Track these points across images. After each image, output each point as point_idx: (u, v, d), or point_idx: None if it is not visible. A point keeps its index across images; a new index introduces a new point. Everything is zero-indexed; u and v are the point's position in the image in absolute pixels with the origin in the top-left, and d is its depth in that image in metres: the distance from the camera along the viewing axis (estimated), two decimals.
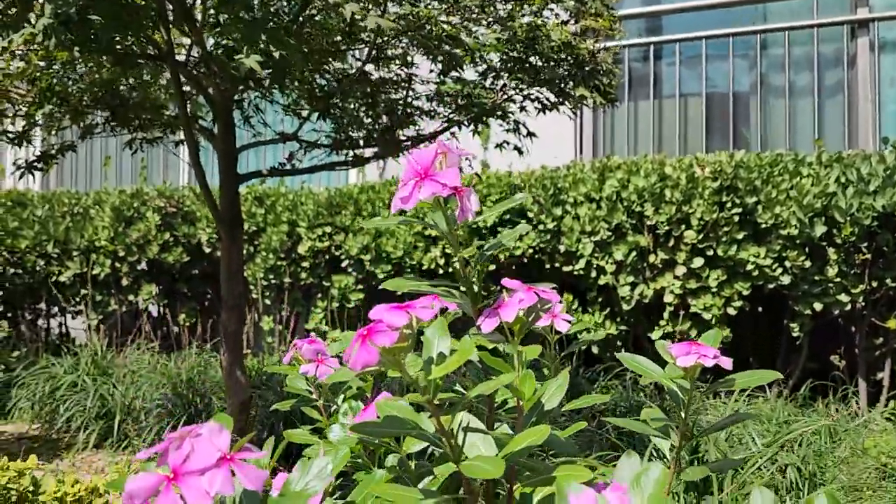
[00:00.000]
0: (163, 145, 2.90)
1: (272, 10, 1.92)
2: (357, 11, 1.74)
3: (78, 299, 5.06)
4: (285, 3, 2.09)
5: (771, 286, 3.44)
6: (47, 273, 5.02)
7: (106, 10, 1.69)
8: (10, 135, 2.36)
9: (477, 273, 0.88)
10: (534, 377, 0.80)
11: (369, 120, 2.56)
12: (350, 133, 2.59)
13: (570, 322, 1.00)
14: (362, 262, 4.26)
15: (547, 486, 0.77)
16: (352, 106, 2.50)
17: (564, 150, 4.79)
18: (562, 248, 3.75)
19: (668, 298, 3.53)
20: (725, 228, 3.40)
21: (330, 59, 2.40)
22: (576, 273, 3.74)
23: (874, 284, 3.30)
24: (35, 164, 2.48)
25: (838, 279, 3.30)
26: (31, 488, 1.50)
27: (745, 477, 2.00)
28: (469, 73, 2.51)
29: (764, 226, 3.39)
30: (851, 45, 4.47)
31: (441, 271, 4.05)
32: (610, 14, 2.38)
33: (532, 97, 2.53)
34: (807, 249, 3.36)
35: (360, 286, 4.32)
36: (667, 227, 3.49)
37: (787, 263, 3.35)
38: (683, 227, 3.47)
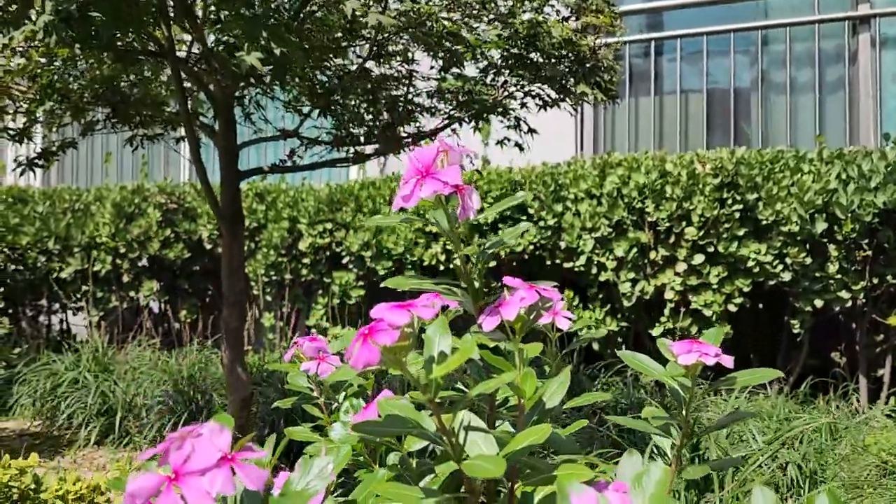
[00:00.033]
0: (164, 142, 2.89)
1: (273, 6, 1.92)
2: (358, 8, 1.73)
3: (79, 296, 5.07)
4: (286, 0, 2.09)
5: (772, 283, 3.44)
6: (48, 269, 5.02)
7: (106, 7, 1.69)
8: (11, 132, 2.36)
9: (478, 271, 0.88)
10: (535, 375, 0.80)
11: (370, 116, 2.56)
12: (351, 130, 2.59)
13: (571, 320, 1.00)
14: (363, 259, 4.26)
15: (548, 485, 0.77)
16: (353, 102, 2.49)
17: (565, 146, 4.78)
18: (562, 245, 3.75)
19: (668, 295, 3.53)
20: (726, 225, 3.40)
21: (331, 56, 2.40)
22: (576, 269, 3.74)
23: (875, 281, 3.30)
24: (36, 160, 2.47)
25: (839, 276, 3.30)
26: (32, 486, 1.50)
27: (746, 474, 2.00)
28: (470, 70, 2.50)
29: (765, 222, 3.38)
30: (853, 41, 4.47)
31: (442, 268, 4.05)
32: (611, 10, 2.38)
33: (533, 94, 2.52)
34: (808, 246, 3.36)
35: (360, 283, 4.32)
36: (667, 224, 3.49)
37: (788, 260, 3.34)
38: (684, 223, 3.47)
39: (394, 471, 0.94)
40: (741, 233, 3.39)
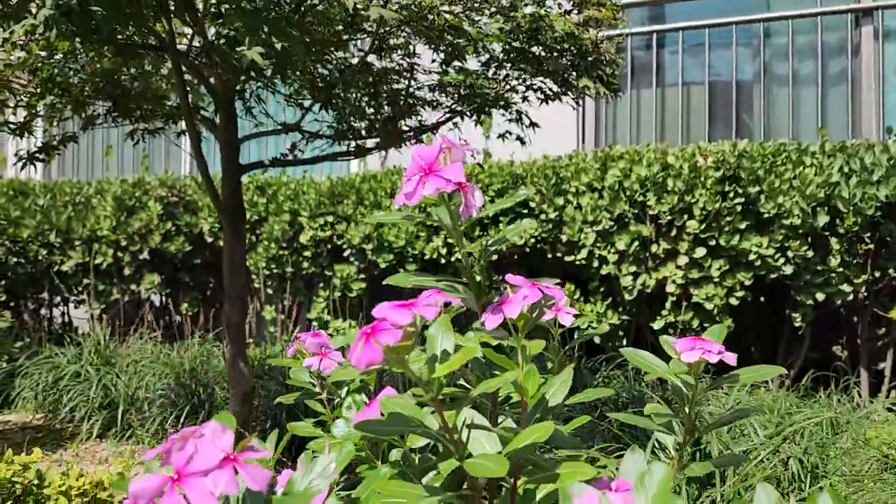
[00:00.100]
0: (164, 136, 2.89)
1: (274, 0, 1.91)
2: (359, 1, 1.73)
3: (80, 289, 5.07)
4: None
5: (773, 276, 3.43)
6: (49, 262, 5.02)
7: (107, 1, 1.68)
8: (12, 125, 2.36)
9: (481, 268, 0.87)
10: (538, 373, 0.80)
11: (371, 110, 2.55)
12: (352, 123, 2.59)
13: (574, 316, 1.00)
14: (364, 252, 4.26)
15: (551, 483, 0.77)
16: (354, 96, 2.49)
17: (567, 139, 4.77)
18: (564, 238, 3.75)
19: (670, 288, 3.53)
20: (728, 218, 3.40)
21: (332, 50, 2.39)
22: (578, 263, 3.74)
23: (877, 274, 3.30)
24: (37, 154, 2.47)
25: (841, 269, 3.30)
26: (35, 482, 1.51)
27: (748, 469, 2.00)
28: (472, 63, 2.50)
29: (766, 215, 3.38)
30: (855, 33, 4.45)
31: (443, 261, 4.04)
32: (613, 4, 2.37)
33: (535, 87, 2.52)
34: (809, 239, 3.35)
35: (362, 276, 4.31)
36: (669, 217, 3.48)
37: (790, 253, 3.34)
38: (686, 216, 3.47)
39: (396, 467, 0.94)
40: (743, 226, 3.39)
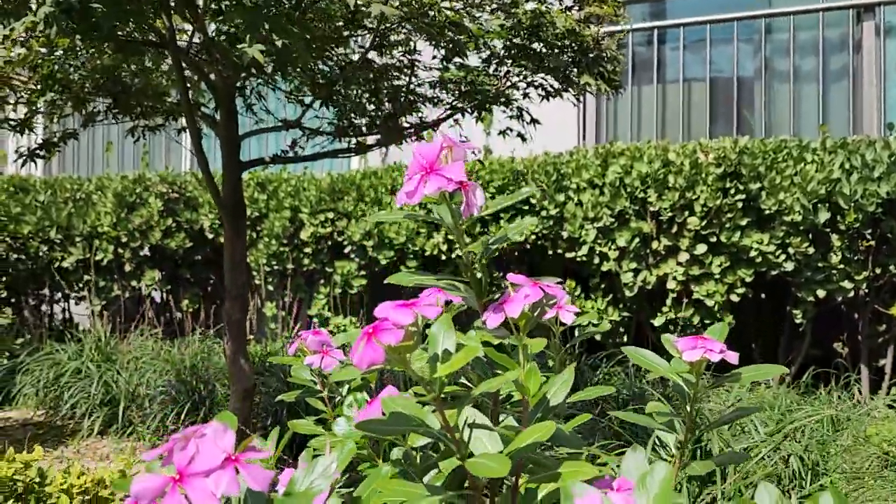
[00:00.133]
0: (165, 132, 2.89)
1: None
2: None
3: (81, 285, 5.07)
4: None
5: (774, 273, 3.43)
6: (50, 259, 5.02)
7: None
8: (13, 122, 2.35)
9: (482, 267, 0.87)
10: (539, 373, 0.80)
11: (372, 107, 2.55)
12: (353, 120, 2.58)
13: (575, 314, 0.99)
14: (365, 249, 4.25)
15: (552, 482, 0.77)
16: (354, 93, 2.48)
17: (567, 135, 4.77)
18: (565, 235, 3.74)
19: (670, 285, 3.53)
20: (729, 215, 3.39)
21: (332, 46, 2.39)
22: (578, 259, 3.74)
23: (878, 271, 3.30)
24: (37, 151, 2.47)
25: (842, 266, 3.30)
26: (37, 480, 1.51)
27: (749, 467, 2.00)
28: (472, 60, 2.49)
29: (767, 212, 3.38)
30: (857, 29, 4.44)
31: (444, 258, 4.04)
32: (614, 0, 2.36)
33: (536, 84, 2.51)
34: (810, 236, 3.35)
35: (362, 272, 4.31)
36: (670, 214, 3.48)
37: (791, 250, 3.34)
38: (687, 213, 3.47)
39: (397, 466, 0.94)
40: (744, 223, 3.38)
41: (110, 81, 2.43)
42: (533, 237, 3.82)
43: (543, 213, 3.75)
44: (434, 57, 2.44)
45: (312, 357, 1.21)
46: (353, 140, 2.68)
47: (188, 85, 2.37)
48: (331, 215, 4.34)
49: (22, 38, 2.26)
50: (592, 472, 0.73)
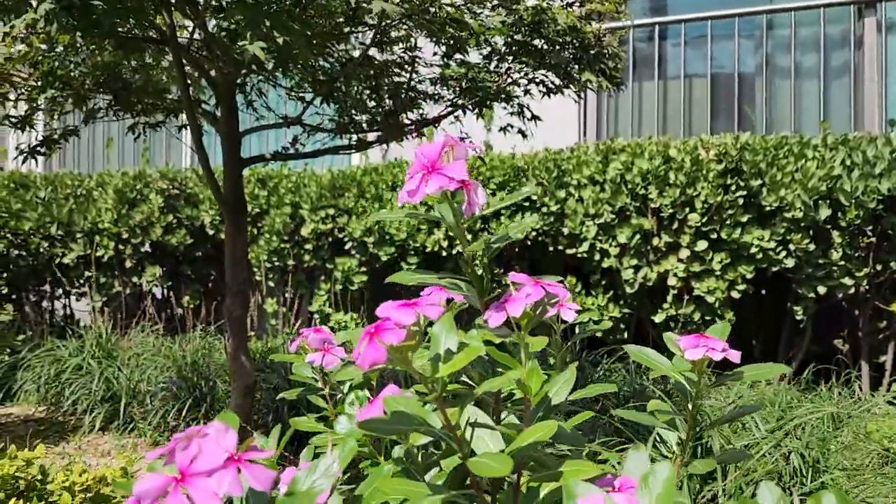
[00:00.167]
0: (165, 129, 2.89)
1: None
2: None
3: (82, 281, 5.07)
4: None
5: (775, 269, 3.43)
6: (51, 255, 5.02)
7: None
8: (13, 119, 2.35)
9: (484, 266, 0.87)
10: (541, 372, 0.80)
11: (373, 103, 2.55)
12: (354, 117, 2.58)
13: (576, 312, 0.99)
14: (365, 245, 4.25)
15: (554, 481, 0.77)
16: (355, 89, 2.48)
17: (568, 131, 4.76)
18: (565, 231, 3.74)
19: (671, 282, 3.53)
20: (730, 211, 3.39)
21: (333, 43, 2.38)
22: (579, 256, 3.74)
23: (878, 268, 3.30)
24: (38, 148, 2.47)
25: (842, 262, 3.30)
26: (39, 477, 1.51)
27: (749, 464, 2.01)
28: (473, 57, 2.49)
29: (768, 209, 3.37)
30: (858, 25, 4.43)
31: (444, 254, 4.04)
32: None
33: (537, 81, 2.51)
34: (811, 232, 3.35)
35: (363, 268, 4.32)
36: (671, 210, 3.48)
37: (792, 246, 3.34)
38: (687, 209, 3.46)
39: (399, 464, 0.94)
40: (745, 219, 3.38)
41: (111, 78, 2.43)
42: (534, 234, 3.82)
43: (544, 209, 3.75)
44: (435, 53, 2.44)
45: (314, 355, 1.21)
46: (354, 137, 2.68)
47: (189, 82, 2.37)
48: (331, 212, 4.34)
49: (22, 35, 2.26)
50: (594, 471, 0.73)
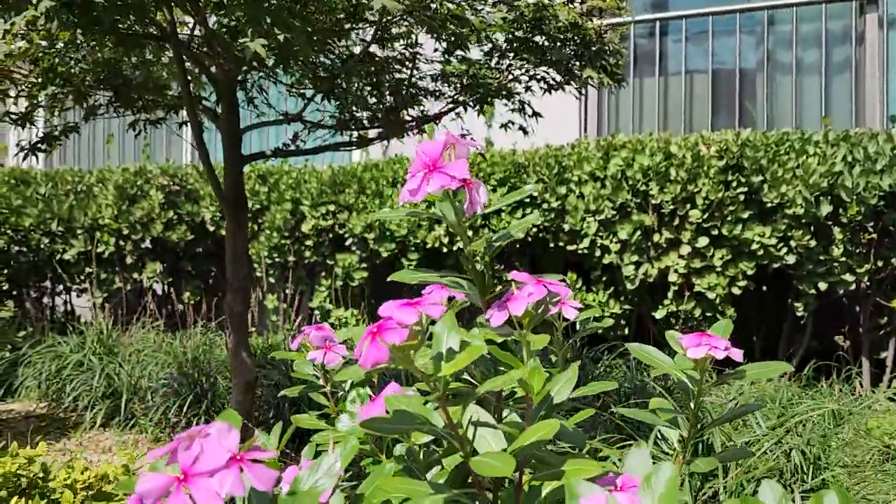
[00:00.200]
0: (166, 125, 2.88)
1: None
2: None
3: (83, 277, 5.07)
4: None
5: (776, 266, 3.43)
6: (52, 251, 5.02)
7: None
8: (14, 116, 2.35)
9: (486, 264, 0.87)
10: (543, 371, 0.80)
11: (374, 100, 2.54)
12: (354, 113, 2.58)
13: (578, 309, 0.99)
14: (366, 241, 4.25)
15: (556, 480, 0.77)
16: (356, 86, 2.48)
17: (569, 128, 4.76)
18: (566, 227, 3.74)
19: (672, 278, 3.53)
20: (731, 208, 3.39)
21: (334, 39, 2.38)
22: (580, 252, 3.74)
23: (879, 264, 3.30)
24: (38, 145, 2.47)
25: (843, 259, 3.29)
26: (41, 475, 1.51)
27: (751, 461, 2.01)
28: (474, 53, 2.48)
29: (769, 205, 3.37)
30: (860, 21, 4.42)
31: (445, 250, 4.04)
32: None
33: (538, 77, 2.50)
34: (812, 229, 3.35)
35: (363, 265, 4.32)
36: (672, 207, 3.48)
37: (793, 243, 3.34)
38: (688, 206, 3.46)
39: (401, 462, 0.94)
40: (746, 215, 3.38)
41: (111, 75, 2.43)
42: (534, 230, 3.82)
43: (545, 205, 3.75)
44: (436, 50, 2.43)
45: (316, 353, 1.21)
46: (355, 133, 2.68)
47: (189, 78, 2.37)
48: (332, 208, 4.34)
49: (22, 32, 2.25)
50: (596, 470, 0.73)
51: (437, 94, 2.57)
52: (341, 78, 2.39)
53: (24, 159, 2.43)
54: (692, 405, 0.90)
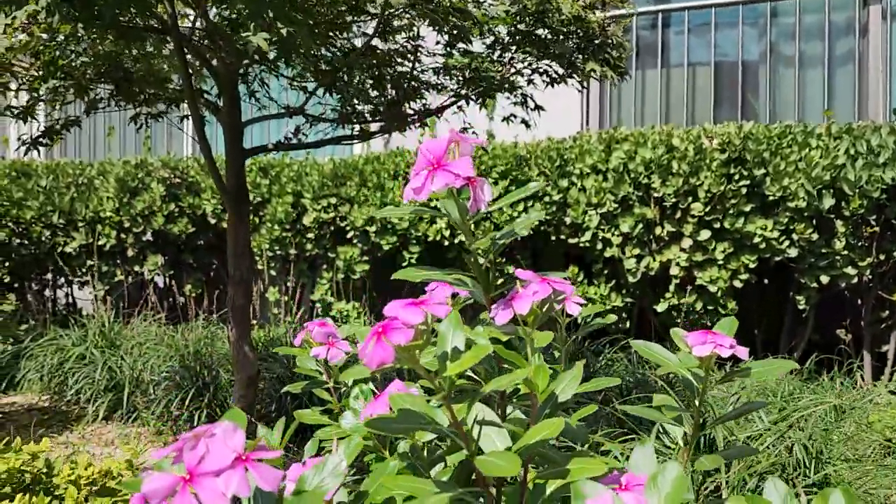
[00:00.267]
0: (167, 119, 2.88)
1: None
2: None
3: (84, 270, 5.07)
4: None
5: (778, 259, 3.43)
6: (53, 244, 5.02)
7: None
8: (14, 109, 2.34)
9: (490, 263, 0.87)
10: (548, 369, 0.80)
11: (376, 93, 2.54)
12: (356, 107, 2.57)
13: (581, 305, 0.99)
14: (367, 234, 4.25)
15: (560, 479, 0.77)
16: (358, 79, 2.47)
17: (571, 120, 4.75)
18: (568, 220, 3.74)
19: (674, 271, 3.52)
20: (733, 201, 3.38)
21: (336, 33, 2.37)
22: (581, 245, 3.73)
23: (881, 257, 3.29)
24: (40, 139, 2.46)
25: (845, 252, 3.29)
26: (44, 471, 1.51)
27: (753, 456, 2.00)
28: (477, 46, 2.48)
29: (771, 198, 3.37)
30: (863, 13, 4.41)
31: (446, 243, 4.04)
32: None
33: (540, 70, 2.50)
34: (814, 222, 3.34)
35: (365, 257, 4.31)
36: (674, 200, 3.47)
37: (795, 236, 3.33)
38: (690, 199, 3.46)
39: (404, 459, 0.94)
40: (748, 208, 3.37)
41: (112, 68, 2.42)
42: (536, 223, 3.82)
43: (546, 199, 3.74)
44: (438, 43, 2.42)
45: (319, 348, 1.21)
46: (357, 127, 2.67)
47: (190, 71, 2.36)
48: (333, 200, 4.33)
49: (23, 24, 2.25)
50: (601, 469, 0.73)
51: (440, 87, 2.57)
52: (343, 71, 2.39)
53: (25, 153, 2.43)
54: (697, 402, 0.90)
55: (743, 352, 0.84)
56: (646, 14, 4.87)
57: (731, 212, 3.40)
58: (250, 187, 4.57)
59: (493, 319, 0.81)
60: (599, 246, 3.69)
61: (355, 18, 2.37)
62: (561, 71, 2.48)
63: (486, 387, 0.73)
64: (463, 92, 2.52)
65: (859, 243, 3.29)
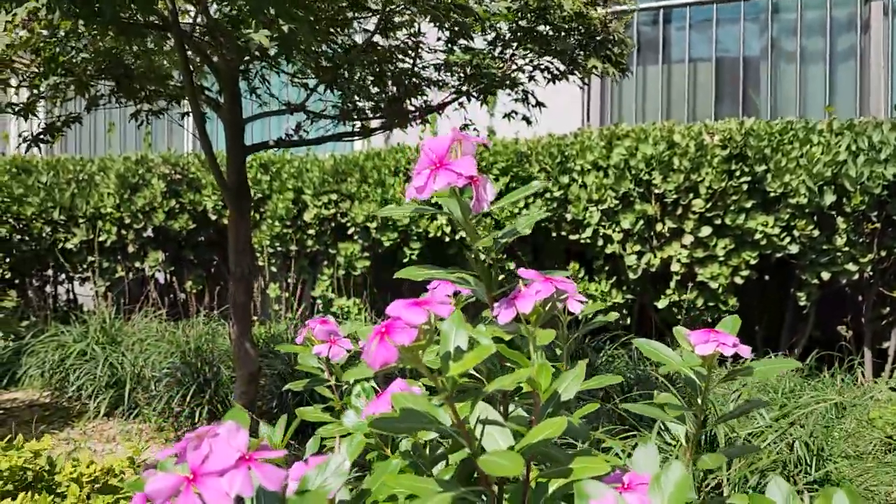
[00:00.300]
0: (168, 115, 2.87)
1: None
2: None
3: (85, 266, 5.08)
4: None
5: (779, 255, 3.43)
6: (54, 240, 5.02)
7: None
8: (15, 106, 2.34)
9: (493, 261, 0.87)
10: (550, 368, 0.80)
11: (377, 90, 2.53)
12: (357, 103, 2.57)
13: (583, 303, 0.99)
14: (368, 230, 4.25)
15: (563, 478, 0.77)
16: (359, 76, 2.47)
17: (572, 117, 4.74)
18: (568, 217, 3.73)
19: (674, 267, 3.52)
20: (734, 197, 3.38)
21: (337, 29, 2.37)
22: (582, 241, 3.73)
23: (883, 254, 3.29)
24: (41, 136, 2.46)
25: (847, 248, 3.29)
26: (46, 468, 1.51)
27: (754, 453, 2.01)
28: (478, 43, 2.47)
29: (773, 194, 3.36)
30: (865, 9, 4.40)
31: (447, 239, 4.04)
32: None
33: (542, 67, 2.49)
34: (815, 218, 3.34)
35: (366, 254, 4.31)
36: (675, 196, 3.47)
37: (796, 232, 3.33)
38: (691, 195, 3.45)
39: (407, 458, 0.94)
40: (749, 205, 3.37)
41: (113, 64, 2.42)
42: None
43: (547, 195, 3.74)
44: (439, 39, 2.42)
45: (320, 347, 1.21)
46: (358, 123, 2.67)
47: (191, 68, 2.35)
48: (334, 197, 4.33)
49: (24, 21, 2.24)
50: (604, 468, 0.73)
51: (441, 84, 2.56)
52: (344, 68, 2.38)
53: (27, 150, 2.43)
54: (699, 401, 0.90)
55: (746, 350, 0.84)
56: (647, 10, 4.86)
57: (732, 208, 3.39)
58: (251, 184, 4.56)
59: (496, 318, 0.81)
60: (600, 242, 3.69)
61: (356, 15, 2.37)
62: (562, 67, 2.47)
63: (489, 386, 0.73)
64: (464, 88, 2.52)
65: (860, 240, 3.29)
